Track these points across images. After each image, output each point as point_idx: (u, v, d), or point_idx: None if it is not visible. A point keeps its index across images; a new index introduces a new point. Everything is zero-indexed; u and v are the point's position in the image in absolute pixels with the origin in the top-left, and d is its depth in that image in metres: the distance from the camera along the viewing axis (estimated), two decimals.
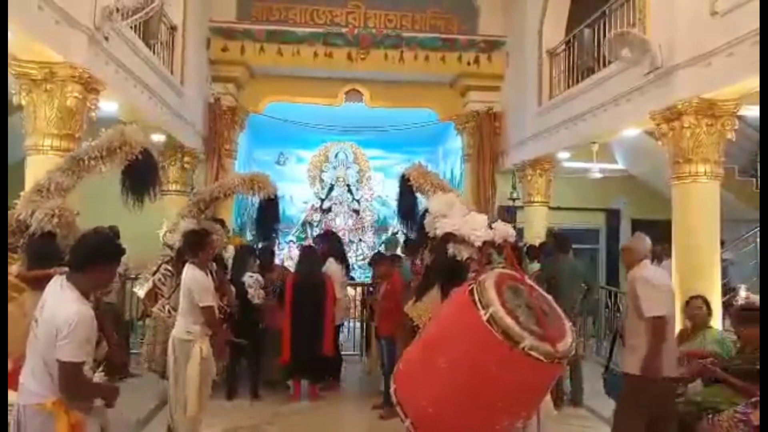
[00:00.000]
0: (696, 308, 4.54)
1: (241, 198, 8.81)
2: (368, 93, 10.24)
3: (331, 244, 6.89)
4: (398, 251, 7.40)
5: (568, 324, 2.47)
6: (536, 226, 8.82)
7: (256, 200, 5.61)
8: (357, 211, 13.23)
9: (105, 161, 4.06)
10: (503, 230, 3.17)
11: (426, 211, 4.27)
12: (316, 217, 13.12)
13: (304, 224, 13.12)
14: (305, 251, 6.56)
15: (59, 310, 2.46)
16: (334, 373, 6.56)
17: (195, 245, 4.23)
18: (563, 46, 8.26)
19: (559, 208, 9.42)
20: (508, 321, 2.22)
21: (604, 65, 6.85)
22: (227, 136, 9.62)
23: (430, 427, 2.42)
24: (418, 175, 4.80)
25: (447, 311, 2.66)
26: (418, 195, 4.98)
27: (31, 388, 2.51)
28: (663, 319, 3.65)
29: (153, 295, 5.41)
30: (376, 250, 10.07)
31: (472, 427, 2.36)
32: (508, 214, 9.60)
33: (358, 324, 7.85)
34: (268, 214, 5.40)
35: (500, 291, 2.35)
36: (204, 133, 9.38)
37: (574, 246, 6.90)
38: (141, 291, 5.55)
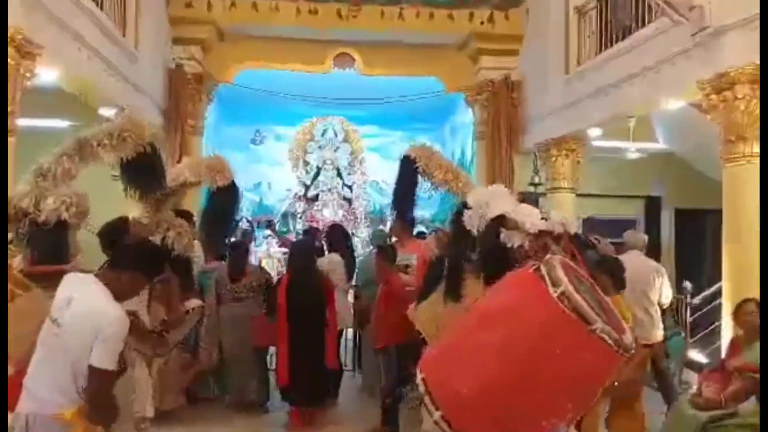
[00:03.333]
0: (748, 313, 4.56)
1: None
2: (361, 58, 10.22)
3: (335, 239, 6.93)
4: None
5: (626, 324, 2.66)
6: (568, 215, 8.82)
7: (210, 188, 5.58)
8: (348, 200, 13.25)
9: (114, 150, 4.29)
10: (562, 218, 3.32)
11: (462, 207, 4.29)
12: (300, 207, 13.12)
13: (285, 216, 13.13)
14: (297, 245, 6.59)
15: (99, 310, 2.64)
16: (335, 390, 6.61)
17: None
18: (594, 3, 8.22)
19: (589, 195, 9.43)
20: (581, 300, 2.40)
21: (643, 25, 6.83)
22: (192, 110, 9.61)
23: (467, 417, 2.50)
24: (425, 155, 4.80)
25: (502, 287, 2.80)
26: (419, 181, 4.99)
27: (46, 395, 2.65)
28: None
29: None
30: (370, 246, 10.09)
31: (517, 418, 2.47)
32: (531, 202, 9.62)
33: (350, 332, 7.86)
34: (220, 205, 5.37)
35: (567, 273, 2.52)
36: (164, 106, 9.36)
37: (608, 239, 6.93)
38: None
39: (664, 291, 5.89)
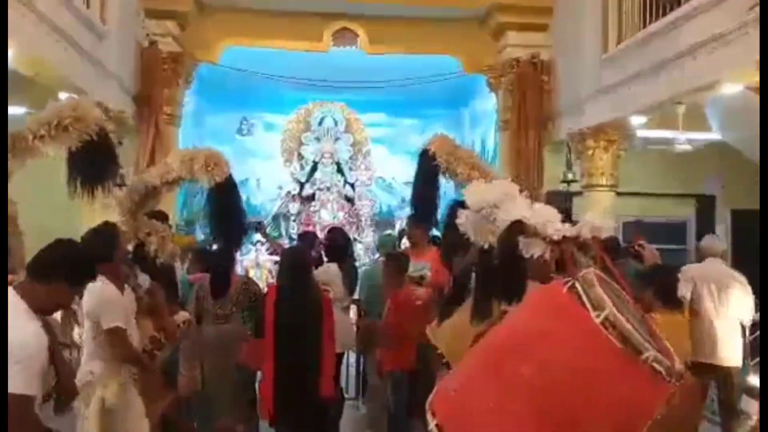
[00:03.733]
0: None
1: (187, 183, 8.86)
2: (365, 34, 10.26)
3: (334, 245, 6.99)
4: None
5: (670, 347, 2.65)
6: (600, 218, 8.81)
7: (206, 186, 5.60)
8: (350, 200, 13.26)
9: (54, 141, 4.30)
10: (593, 223, 3.33)
11: (457, 205, 4.28)
12: (294, 207, 13.14)
13: (276, 218, 13.15)
14: (289, 252, 6.61)
15: (11, 328, 2.61)
16: (335, 422, 6.62)
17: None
18: None
19: (631, 194, 9.45)
20: (628, 326, 2.37)
21: None
22: (168, 95, 9.66)
23: None
24: (446, 150, 4.82)
25: (528, 309, 2.79)
26: (442, 179, 5.01)
27: None
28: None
29: (69, 319, 5.44)
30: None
31: None
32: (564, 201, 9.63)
33: (352, 353, 7.86)
34: (226, 205, 5.37)
35: (605, 290, 2.49)
36: (135, 90, 9.39)
37: (653, 246, 6.93)
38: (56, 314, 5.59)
39: (746, 306, 5.99)
